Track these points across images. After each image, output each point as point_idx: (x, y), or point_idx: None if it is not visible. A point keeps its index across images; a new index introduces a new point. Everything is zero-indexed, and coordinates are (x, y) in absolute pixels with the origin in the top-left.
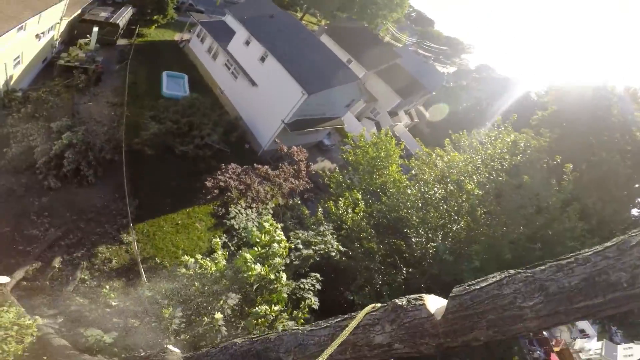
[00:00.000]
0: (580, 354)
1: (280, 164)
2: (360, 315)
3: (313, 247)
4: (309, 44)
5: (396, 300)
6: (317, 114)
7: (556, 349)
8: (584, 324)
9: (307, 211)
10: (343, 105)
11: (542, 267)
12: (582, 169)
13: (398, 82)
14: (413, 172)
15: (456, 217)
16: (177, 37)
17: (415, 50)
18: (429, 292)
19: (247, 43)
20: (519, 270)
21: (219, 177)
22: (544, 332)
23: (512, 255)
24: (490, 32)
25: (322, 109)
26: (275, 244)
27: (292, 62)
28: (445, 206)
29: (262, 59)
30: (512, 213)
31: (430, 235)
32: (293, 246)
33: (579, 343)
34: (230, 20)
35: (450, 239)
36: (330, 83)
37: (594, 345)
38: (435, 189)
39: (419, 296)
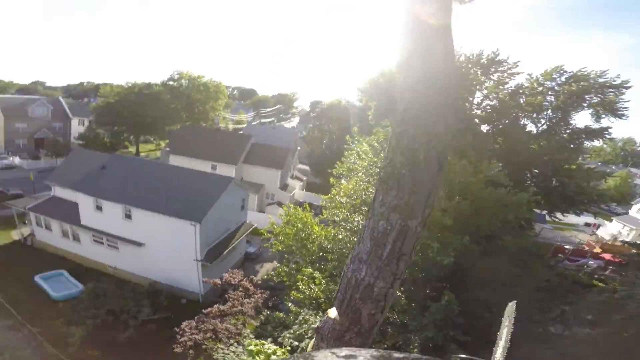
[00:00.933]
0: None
1: (226, 295)
2: None
3: (307, 336)
4: (163, 173)
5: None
6: (222, 232)
7: (597, 249)
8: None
9: (281, 314)
10: (239, 209)
11: None
12: None
13: (266, 158)
14: (335, 219)
15: None
16: (16, 235)
17: (258, 122)
18: None
19: (99, 208)
20: None
21: (182, 339)
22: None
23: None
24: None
25: (224, 225)
26: (273, 357)
27: (159, 202)
28: None
29: (128, 216)
30: None
31: None
32: (289, 347)
33: (603, 231)
34: (60, 191)
35: None
36: (210, 199)
37: (613, 225)
38: (355, 219)
39: None
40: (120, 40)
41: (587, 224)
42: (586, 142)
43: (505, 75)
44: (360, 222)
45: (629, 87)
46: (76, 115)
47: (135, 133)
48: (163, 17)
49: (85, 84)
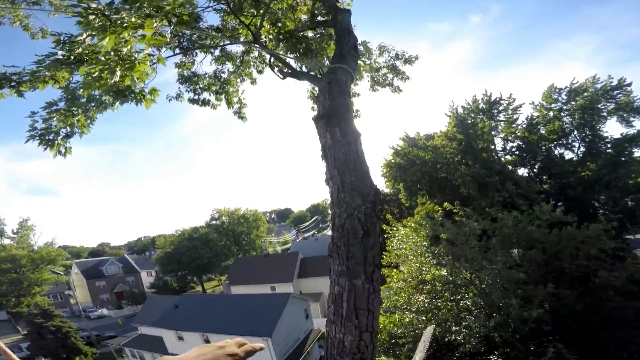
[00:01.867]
0: None
1: None
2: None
3: None
4: (229, 302)
5: None
6: (293, 342)
7: None
8: None
9: None
10: (304, 319)
11: None
12: None
13: (317, 269)
14: (396, 304)
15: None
16: None
17: (302, 238)
18: None
19: (181, 338)
20: None
21: None
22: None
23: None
24: None
25: (294, 335)
26: None
27: (231, 325)
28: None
29: (206, 341)
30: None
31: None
32: None
33: None
34: (145, 330)
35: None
36: (275, 315)
37: None
38: (419, 299)
39: None
40: (164, 193)
41: None
42: (636, 150)
43: (510, 111)
44: (425, 301)
45: (630, 84)
46: (143, 268)
47: (197, 274)
48: (193, 164)
49: (142, 238)
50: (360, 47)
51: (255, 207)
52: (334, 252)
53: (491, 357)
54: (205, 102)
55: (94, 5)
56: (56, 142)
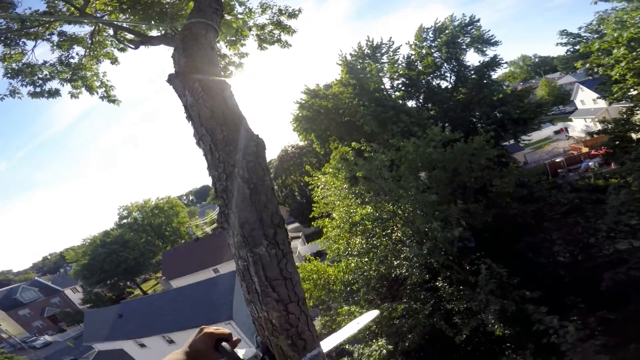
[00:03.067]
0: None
1: None
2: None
3: None
4: (174, 297)
5: None
6: None
7: (585, 149)
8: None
9: None
10: None
11: None
12: None
13: None
14: (338, 253)
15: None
16: None
17: None
18: None
19: (143, 345)
20: None
21: None
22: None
23: None
24: None
25: None
26: None
27: (188, 320)
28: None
29: (171, 341)
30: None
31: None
32: None
33: (574, 132)
34: (102, 345)
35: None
36: (228, 296)
37: (576, 123)
38: (357, 242)
39: None
40: (57, 204)
41: (556, 132)
42: (492, 73)
43: (391, 53)
44: (362, 242)
45: (478, 20)
46: (64, 286)
47: (129, 278)
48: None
49: (48, 257)
50: (238, 7)
51: (167, 193)
52: (224, 222)
53: (437, 283)
54: (52, 93)
55: None
56: None
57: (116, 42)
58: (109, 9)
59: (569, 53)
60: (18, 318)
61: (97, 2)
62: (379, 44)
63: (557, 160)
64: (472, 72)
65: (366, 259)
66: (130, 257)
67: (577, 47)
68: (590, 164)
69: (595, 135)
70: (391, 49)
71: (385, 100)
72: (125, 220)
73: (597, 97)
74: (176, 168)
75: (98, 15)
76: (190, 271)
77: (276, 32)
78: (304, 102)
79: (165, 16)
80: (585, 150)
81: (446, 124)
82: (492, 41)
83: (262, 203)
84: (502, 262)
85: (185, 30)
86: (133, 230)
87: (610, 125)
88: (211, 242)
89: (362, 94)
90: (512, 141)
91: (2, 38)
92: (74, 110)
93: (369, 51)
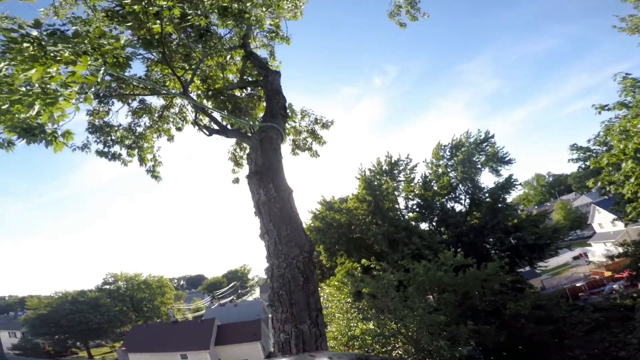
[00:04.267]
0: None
1: None
2: None
3: None
4: None
5: None
6: None
7: (607, 273)
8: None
9: None
10: None
11: None
12: None
13: (240, 335)
14: None
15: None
16: None
17: (217, 304)
18: None
19: None
20: None
21: None
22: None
23: None
24: None
25: None
26: None
27: None
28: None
29: None
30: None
31: None
32: None
33: (594, 257)
34: None
35: None
36: None
37: (595, 248)
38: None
39: None
40: (40, 249)
41: (575, 257)
42: (507, 196)
43: (408, 171)
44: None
45: (493, 136)
46: (4, 329)
47: (82, 338)
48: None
49: (7, 297)
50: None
51: (161, 272)
52: (275, 301)
53: None
54: (115, 156)
55: (34, 33)
56: None
57: (181, 121)
58: (198, 92)
59: (581, 170)
60: None
61: (192, 85)
62: (397, 160)
63: (578, 284)
64: (487, 195)
65: None
66: (95, 320)
67: (588, 163)
68: (614, 286)
69: (616, 259)
70: (408, 167)
71: (398, 220)
72: (107, 286)
73: (615, 219)
74: (177, 251)
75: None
76: (155, 350)
77: (309, 140)
78: (318, 212)
79: (240, 111)
80: (607, 274)
81: (459, 249)
82: (507, 159)
83: (310, 290)
84: None
85: (262, 133)
86: (112, 297)
87: (630, 249)
88: (189, 328)
89: (376, 212)
90: (527, 267)
91: (100, 94)
92: (103, 176)
93: (387, 167)
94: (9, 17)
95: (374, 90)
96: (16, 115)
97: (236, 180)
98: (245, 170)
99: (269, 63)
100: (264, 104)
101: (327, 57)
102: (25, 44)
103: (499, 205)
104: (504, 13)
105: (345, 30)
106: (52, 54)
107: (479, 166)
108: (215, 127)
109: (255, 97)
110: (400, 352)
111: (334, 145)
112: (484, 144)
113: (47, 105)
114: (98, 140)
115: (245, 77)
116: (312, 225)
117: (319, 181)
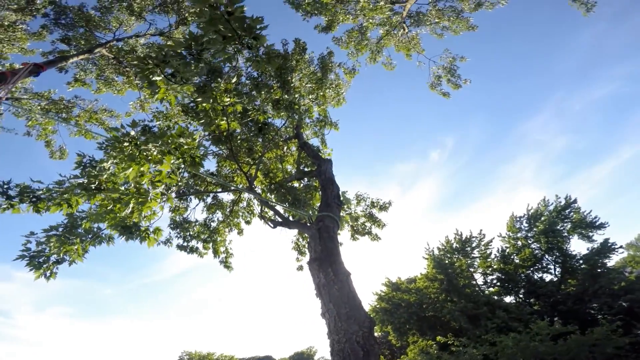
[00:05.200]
0: None
1: None
2: None
3: None
4: None
5: None
6: None
7: None
8: None
9: None
10: None
11: None
12: None
13: None
14: None
15: None
16: None
17: None
18: None
19: None
20: None
21: None
22: None
23: None
24: None
25: None
26: None
27: None
28: None
29: None
30: None
31: None
32: None
33: None
34: None
35: None
36: None
37: None
38: None
39: None
40: (129, 329)
41: None
42: (607, 261)
43: (482, 247)
44: None
45: (575, 201)
46: None
47: None
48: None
49: None
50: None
51: (231, 352)
52: None
53: None
54: (193, 250)
55: (132, 133)
56: (43, 265)
57: (249, 215)
58: (262, 187)
59: None
60: None
61: (256, 180)
62: (468, 237)
63: None
64: (581, 262)
65: None
66: None
67: None
68: None
69: None
70: (482, 243)
71: (477, 296)
72: None
73: None
74: (247, 332)
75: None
76: None
77: (368, 224)
78: (383, 294)
79: (299, 202)
80: None
81: (555, 318)
82: (597, 224)
83: None
84: None
85: (319, 222)
86: None
87: None
88: None
89: (450, 290)
90: None
91: (181, 192)
92: (181, 264)
93: (457, 245)
94: (107, 109)
95: (432, 165)
96: (118, 215)
97: (300, 268)
98: (307, 257)
99: (321, 151)
100: (320, 193)
101: (378, 138)
102: (125, 143)
103: (599, 270)
104: (554, 65)
105: (393, 107)
106: (144, 153)
107: (566, 234)
108: (279, 219)
109: (312, 188)
110: None
111: (395, 225)
112: (567, 211)
113: (139, 204)
114: (178, 236)
115: (301, 168)
116: (377, 306)
117: (382, 262)
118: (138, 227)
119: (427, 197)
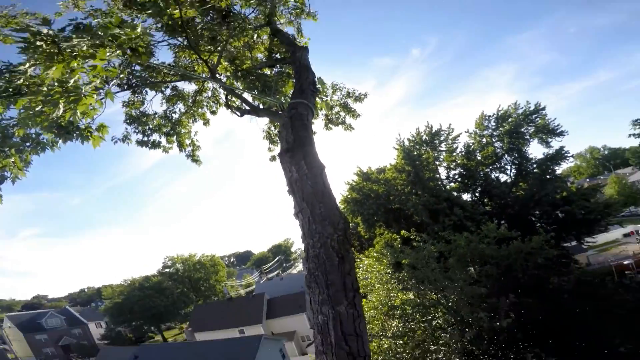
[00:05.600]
0: None
1: None
2: None
3: None
4: (196, 350)
5: None
6: None
7: None
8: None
9: None
10: (281, 358)
11: None
12: None
13: (287, 307)
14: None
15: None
16: None
17: (265, 279)
18: None
19: None
20: None
21: None
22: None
23: None
24: None
25: None
26: None
27: None
28: None
29: None
30: None
31: None
32: None
33: None
34: None
35: None
36: (250, 357)
37: None
38: (393, 324)
39: None
40: (108, 242)
41: (626, 235)
42: (557, 168)
43: (450, 141)
44: (399, 325)
45: (544, 108)
46: (90, 320)
47: (154, 323)
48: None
49: (86, 289)
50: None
51: (212, 251)
52: (312, 282)
53: None
54: (155, 145)
55: (44, 31)
56: None
57: (215, 105)
58: (227, 74)
59: None
60: (32, 341)
61: (219, 67)
62: (437, 130)
63: (625, 262)
64: (535, 166)
65: (401, 342)
66: (161, 304)
67: None
68: None
69: None
70: (450, 137)
71: (439, 191)
72: (167, 270)
73: None
74: (226, 229)
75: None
76: (217, 327)
77: (342, 114)
78: (355, 184)
79: (269, 90)
80: None
81: (502, 221)
82: (558, 131)
83: (346, 270)
84: (552, 354)
85: (292, 110)
86: (172, 279)
87: None
88: (243, 304)
89: (415, 182)
90: (574, 242)
91: (133, 84)
92: (148, 160)
93: (427, 137)
94: (29, 12)
95: (411, 61)
96: (50, 116)
97: (273, 158)
98: (279, 148)
99: (297, 40)
100: (294, 81)
101: (358, 28)
102: (38, 42)
103: (548, 176)
104: None
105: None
106: (68, 50)
107: (528, 137)
108: (247, 107)
109: (285, 75)
110: (440, 322)
111: (369, 118)
112: (534, 116)
113: (71, 104)
114: (136, 131)
115: (273, 55)
116: (349, 196)
117: (354, 155)
118: (76, 126)
119: (404, 92)
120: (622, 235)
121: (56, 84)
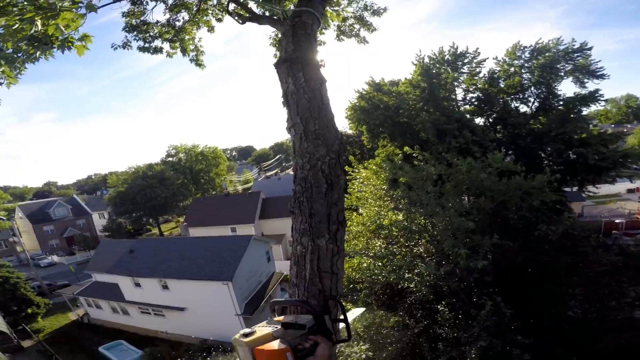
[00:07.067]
0: None
1: None
2: None
3: None
4: (187, 245)
5: None
6: (255, 285)
7: None
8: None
9: None
10: (265, 261)
11: None
12: None
13: (280, 209)
14: (354, 249)
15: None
16: (73, 316)
17: (263, 177)
18: None
19: (138, 284)
20: None
21: None
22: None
23: None
24: None
25: (255, 278)
26: None
27: (189, 270)
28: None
29: (165, 287)
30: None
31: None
32: None
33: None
34: (100, 276)
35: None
36: (235, 258)
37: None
38: (377, 244)
39: None
40: (115, 126)
41: (630, 190)
42: (584, 109)
43: (474, 64)
44: (382, 246)
45: (590, 48)
46: (95, 210)
47: (153, 215)
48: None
49: (93, 177)
50: None
51: (215, 144)
52: (295, 208)
53: (439, 306)
54: (157, 50)
55: None
56: None
57: (220, 12)
58: None
59: None
60: (40, 233)
61: None
62: (463, 52)
63: (617, 221)
64: (561, 103)
65: (380, 264)
66: (162, 194)
67: None
68: None
69: None
70: (475, 60)
71: (452, 111)
72: (170, 159)
73: None
74: (231, 123)
75: None
76: (210, 223)
77: (356, 26)
78: (365, 92)
79: None
80: None
81: (510, 152)
82: (599, 74)
83: (333, 199)
84: (512, 303)
85: (295, 18)
86: (174, 169)
87: None
88: (238, 201)
89: (429, 99)
90: (575, 188)
91: None
92: (155, 57)
93: (450, 58)
94: None
95: None
96: (29, 33)
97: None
98: None
99: None
100: None
101: None
102: None
103: (572, 115)
104: None
105: None
106: None
107: (562, 74)
108: (248, 14)
109: None
110: (421, 250)
111: (389, 31)
112: (576, 54)
113: (49, 19)
114: (137, 38)
115: None
116: (357, 104)
117: (369, 67)
118: (55, 37)
119: (434, 7)
120: (626, 190)
121: (25, 2)
